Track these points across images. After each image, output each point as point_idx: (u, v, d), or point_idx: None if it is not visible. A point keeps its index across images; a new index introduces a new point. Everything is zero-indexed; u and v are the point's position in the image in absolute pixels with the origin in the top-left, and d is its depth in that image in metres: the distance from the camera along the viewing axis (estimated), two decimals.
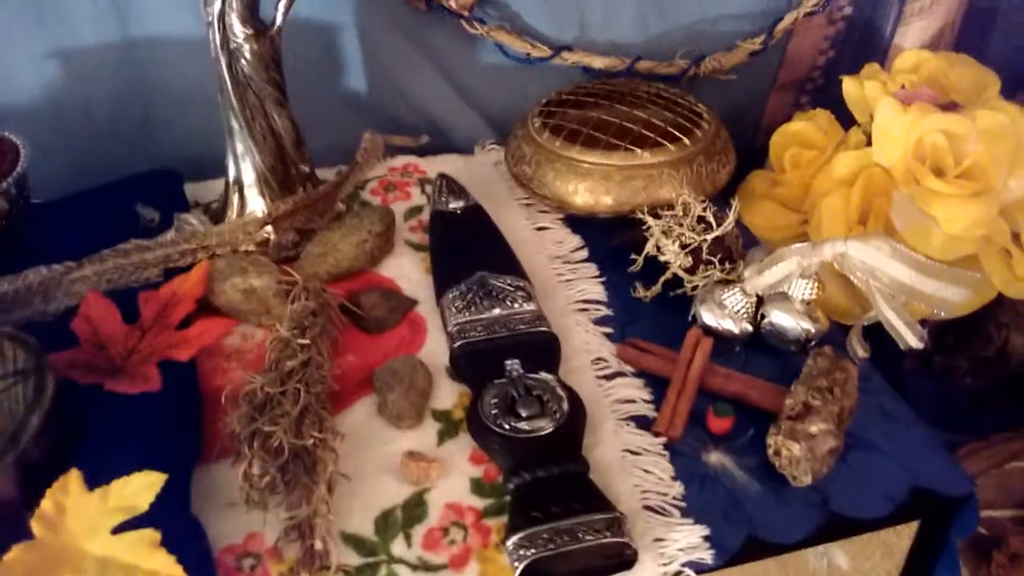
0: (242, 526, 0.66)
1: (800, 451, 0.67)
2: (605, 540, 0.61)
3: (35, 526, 0.61)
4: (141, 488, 0.64)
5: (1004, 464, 1.18)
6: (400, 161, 1.08)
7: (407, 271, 0.91)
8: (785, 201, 1.03)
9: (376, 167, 1.05)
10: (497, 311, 0.81)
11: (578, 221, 0.96)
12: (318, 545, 0.62)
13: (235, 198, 0.93)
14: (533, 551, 0.61)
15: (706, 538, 0.65)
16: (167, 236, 0.87)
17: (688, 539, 0.65)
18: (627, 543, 0.62)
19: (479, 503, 0.68)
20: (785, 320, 0.79)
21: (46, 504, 0.63)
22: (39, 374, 0.68)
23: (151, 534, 0.61)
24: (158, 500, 0.63)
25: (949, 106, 0.97)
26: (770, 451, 0.69)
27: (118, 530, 0.62)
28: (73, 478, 0.64)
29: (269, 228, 0.90)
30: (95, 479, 0.65)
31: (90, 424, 0.70)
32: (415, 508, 0.68)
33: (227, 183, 0.93)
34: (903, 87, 1.00)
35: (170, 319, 0.81)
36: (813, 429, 0.68)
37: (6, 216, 0.84)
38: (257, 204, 0.92)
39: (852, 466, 0.71)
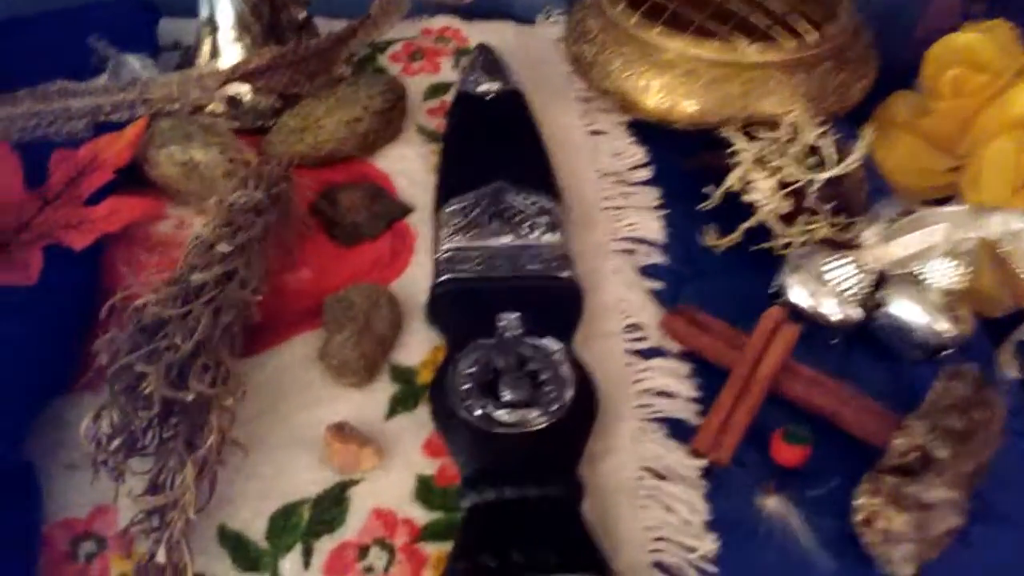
0: (93, 495, 0.48)
1: (905, 526, 0.44)
2: None
3: None
4: None
5: None
6: (439, 22, 0.85)
7: (410, 166, 0.69)
8: (934, 138, 0.77)
9: (404, 26, 0.82)
10: (507, 239, 0.59)
11: (647, 129, 0.72)
12: (160, 556, 0.42)
13: (207, 43, 0.73)
14: None
15: None
16: (99, 81, 0.66)
17: None
18: None
19: (421, 516, 0.48)
20: (912, 313, 0.54)
21: None
22: None
23: None
24: None
25: None
26: (858, 516, 0.46)
27: None
28: None
29: (243, 87, 0.69)
30: None
31: None
32: (331, 508, 0.48)
33: (199, 24, 0.72)
34: None
35: (80, 190, 0.61)
36: (931, 496, 0.44)
37: None
38: (231, 53, 0.72)
39: (973, 552, 0.47)
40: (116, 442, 0.46)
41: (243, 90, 0.69)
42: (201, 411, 0.48)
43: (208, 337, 0.50)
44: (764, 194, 0.59)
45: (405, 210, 0.66)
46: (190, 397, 0.47)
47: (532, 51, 0.82)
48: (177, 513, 0.44)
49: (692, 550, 0.47)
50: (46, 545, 0.46)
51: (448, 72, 0.80)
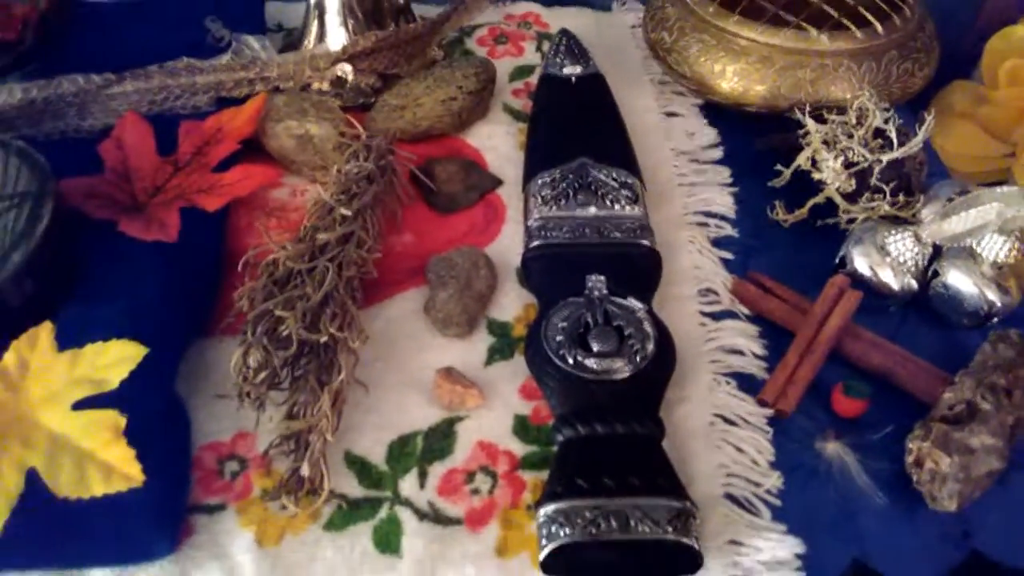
0: (234, 422, 0.55)
1: (950, 467, 0.50)
2: (663, 536, 0.47)
3: None
4: (116, 360, 0.53)
5: None
6: (520, 8, 0.91)
7: (498, 142, 0.75)
8: (991, 125, 0.81)
9: (488, 11, 0.88)
10: (592, 210, 0.65)
11: (719, 112, 0.77)
12: (304, 470, 0.50)
13: (314, 26, 0.79)
14: (568, 530, 0.47)
15: (799, 556, 0.49)
16: (222, 60, 0.74)
17: (775, 552, 0.49)
18: (692, 546, 0.47)
19: (519, 448, 0.55)
20: (964, 283, 0.60)
21: (9, 358, 0.53)
22: (38, 201, 0.58)
23: (115, 418, 0.51)
24: (132, 378, 0.52)
25: None
26: (909, 458, 0.52)
27: (80, 405, 0.51)
28: (44, 333, 0.54)
29: (346, 67, 0.76)
30: (71, 338, 0.55)
31: (88, 269, 0.60)
32: (440, 439, 0.55)
33: (308, 7, 0.79)
34: None
35: (208, 158, 0.68)
36: (974, 442, 0.50)
37: (47, 13, 0.73)
38: (337, 36, 0.78)
39: (1011, 494, 0.53)
40: (261, 375, 0.53)
41: (347, 70, 0.76)
42: (328, 352, 0.55)
43: (334, 288, 0.57)
44: (831, 173, 0.64)
45: (496, 182, 0.72)
46: (324, 339, 0.54)
47: (608, 37, 0.88)
48: (316, 435, 0.51)
49: (759, 485, 0.53)
50: (196, 465, 0.53)
51: (531, 55, 0.85)
